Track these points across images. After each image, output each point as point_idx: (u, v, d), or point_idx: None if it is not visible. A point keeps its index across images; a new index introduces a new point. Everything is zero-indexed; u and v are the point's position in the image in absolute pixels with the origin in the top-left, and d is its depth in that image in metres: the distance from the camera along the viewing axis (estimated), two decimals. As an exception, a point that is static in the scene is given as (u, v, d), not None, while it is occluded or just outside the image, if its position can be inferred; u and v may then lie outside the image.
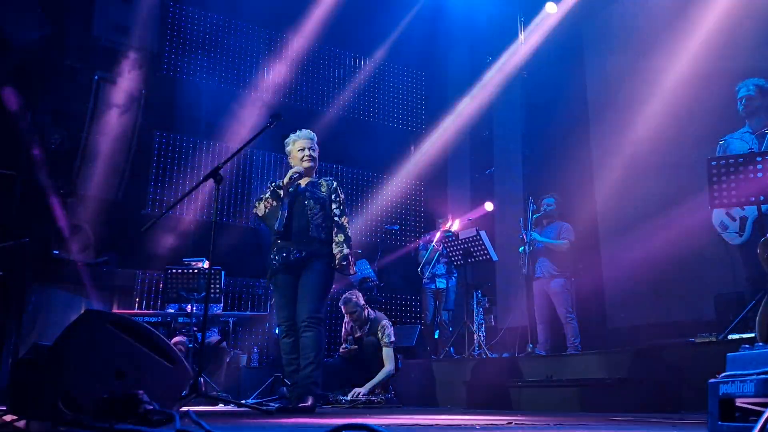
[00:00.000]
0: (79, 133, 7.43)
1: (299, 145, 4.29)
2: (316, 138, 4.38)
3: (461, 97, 9.55)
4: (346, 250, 4.06)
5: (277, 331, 7.17)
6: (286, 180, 4.12)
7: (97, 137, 7.49)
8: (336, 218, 4.16)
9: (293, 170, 4.14)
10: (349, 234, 4.17)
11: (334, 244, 4.09)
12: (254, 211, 4.21)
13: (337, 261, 4.05)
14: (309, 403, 3.79)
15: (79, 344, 2.41)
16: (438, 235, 7.19)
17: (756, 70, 4.71)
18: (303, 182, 4.23)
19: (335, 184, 4.30)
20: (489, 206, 8.75)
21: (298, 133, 4.36)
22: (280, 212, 4.10)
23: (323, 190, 4.23)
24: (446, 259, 7.15)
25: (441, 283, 7.17)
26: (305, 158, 4.23)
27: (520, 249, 6.30)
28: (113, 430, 1.64)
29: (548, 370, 4.82)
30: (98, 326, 2.47)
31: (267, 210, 4.12)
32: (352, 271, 4.18)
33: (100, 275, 7.01)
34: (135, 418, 1.93)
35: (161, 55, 8.55)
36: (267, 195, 4.15)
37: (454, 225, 7.35)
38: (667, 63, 6.43)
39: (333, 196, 4.23)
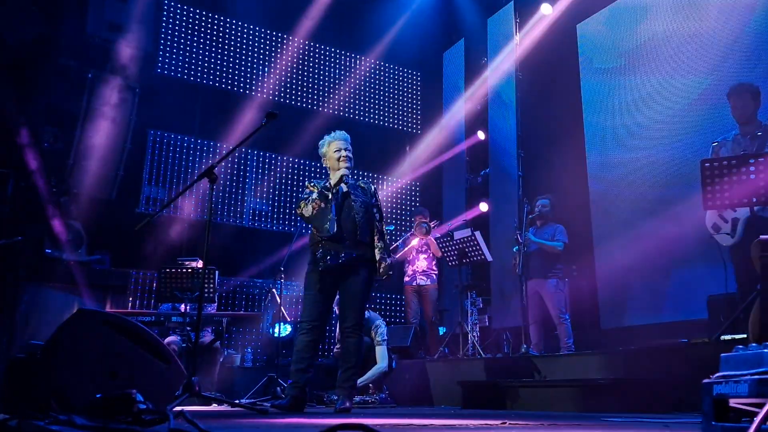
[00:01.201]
0: (72, 132, 7.39)
1: (335, 146, 4.26)
2: (350, 138, 4.38)
3: (456, 97, 9.57)
4: (389, 259, 4.14)
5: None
6: (334, 181, 4.12)
7: (91, 136, 7.45)
8: (377, 223, 4.20)
9: (340, 172, 4.14)
10: (388, 242, 4.25)
11: (376, 250, 4.12)
12: (299, 212, 4.15)
13: (382, 270, 4.10)
14: (348, 405, 3.95)
15: (72, 343, 2.40)
16: (416, 238, 7.16)
17: (747, 73, 4.73)
18: (344, 184, 4.20)
19: (374, 187, 4.36)
20: (484, 207, 8.76)
21: (332, 134, 4.35)
22: (330, 214, 4.07)
23: (365, 192, 4.27)
24: (426, 256, 7.15)
25: (422, 281, 7.16)
26: (342, 159, 4.22)
27: (514, 249, 6.32)
28: (106, 430, 1.63)
29: (542, 371, 4.83)
30: (91, 325, 2.46)
31: (315, 211, 4.08)
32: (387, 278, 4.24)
33: (94, 274, 6.97)
34: (128, 417, 1.92)
35: (156, 54, 8.53)
36: (315, 196, 4.09)
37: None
38: (661, 65, 6.46)
39: (373, 200, 4.27)
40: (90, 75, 7.46)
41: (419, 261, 7.19)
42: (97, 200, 7.49)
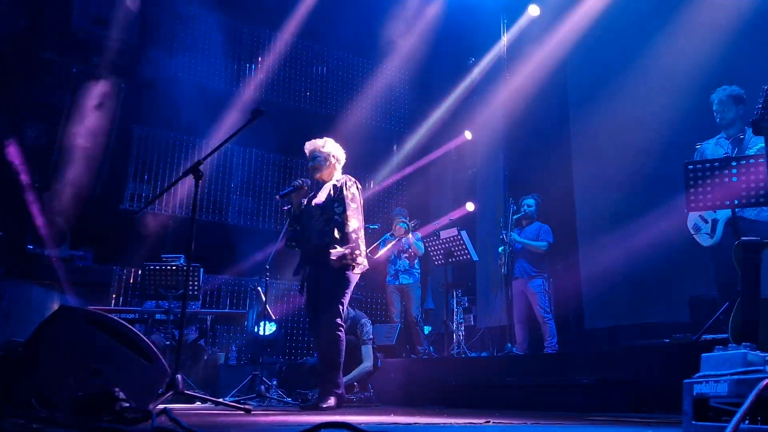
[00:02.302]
0: (56, 127, 7.31)
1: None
2: (314, 146, 4.50)
3: (444, 97, 9.58)
4: (342, 249, 4.12)
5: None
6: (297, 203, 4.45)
7: (75, 131, 7.38)
8: (336, 216, 4.22)
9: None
10: (348, 231, 4.20)
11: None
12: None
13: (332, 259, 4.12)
14: (321, 403, 4.08)
15: (53, 341, 2.38)
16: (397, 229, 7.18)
17: (729, 77, 4.79)
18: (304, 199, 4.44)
19: (339, 184, 4.34)
20: (470, 206, 8.79)
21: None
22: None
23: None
24: (407, 255, 7.16)
25: (405, 279, 7.18)
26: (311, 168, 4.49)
27: (500, 249, 6.35)
28: (88, 428, 1.62)
29: (526, 370, 4.86)
30: (73, 323, 2.44)
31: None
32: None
33: (76, 271, 6.90)
34: (111, 415, 1.91)
35: (142, 49, 8.45)
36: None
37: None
38: (647, 68, 6.52)
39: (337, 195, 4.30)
40: (75, 69, 7.38)
41: (401, 260, 7.21)
42: (80, 196, 7.42)
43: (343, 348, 4.21)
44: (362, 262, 4.25)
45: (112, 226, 7.55)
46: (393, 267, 7.27)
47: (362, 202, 4.43)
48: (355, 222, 4.21)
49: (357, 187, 4.40)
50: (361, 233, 4.29)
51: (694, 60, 5.79)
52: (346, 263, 4.13)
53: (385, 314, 9.28)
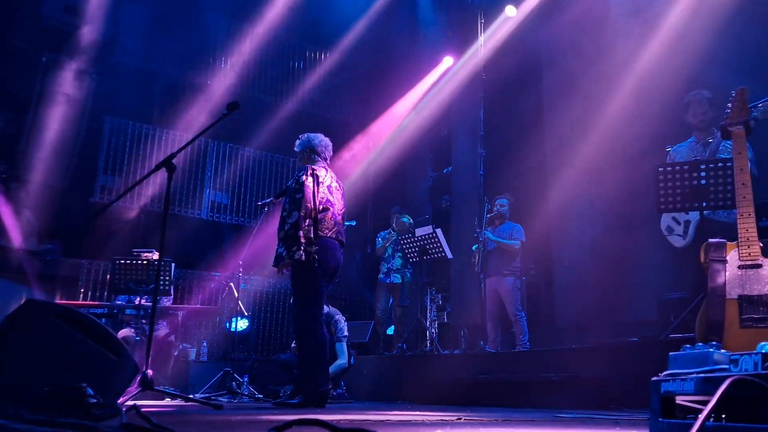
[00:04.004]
0: (24, 116, 7.15)
1: None
2: (298, 143, 4.48)
3: (420, 95, 9.59)
4: (282, 251, 3.97)
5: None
6: None
7: (44, 121, 7.22)
8: (284, 213, 4.10)
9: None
10: (287, 228, 3.98)
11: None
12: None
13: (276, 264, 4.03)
14: (292, 400, 4.04)
15: (19, 336, 2.33)
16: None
17: (702, 81, 4.88)
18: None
19: (300, 176, 4.14)
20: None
21: None
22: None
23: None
24: (400, 254, 7.19)
25: (396, 278, 7.21)
26: None
27: (473, 247, 6.39)
28: (55, 424, 1.59)
29: (498, 367, 4.90)
30: (40, 317, 2.39)
31: None
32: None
33: (44, 264, 6.77)
34: (78, 411, 1.87)
35: (114, 39, 8.30)
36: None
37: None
38: (619, 71, 6.60)
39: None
40: (44, 59, 7.23)
41: (395, 260, 7.25)
42: (49, 188, 7.27)
43: (319, 343, 4.08)
44: (302, 255, 3.91)
45: (82, 219, 7.42)
46: (386, 265, 7.30)
47: (319, 189, 4.13)
48: (295, 214, 3.99)
49: (311, 174, 4.13)
50: (305, 222, 3.99)
51: (667, 61, 5.89)
52: (285, 264, 3.97)
53: (360, 311, 9.31)
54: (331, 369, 5.37)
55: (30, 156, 7.19)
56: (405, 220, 7.24)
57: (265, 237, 7.11)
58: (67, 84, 7.42)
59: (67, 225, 7.16)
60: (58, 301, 7.18)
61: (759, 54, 5.13)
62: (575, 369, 4.23)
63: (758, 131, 3.96)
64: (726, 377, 1.34)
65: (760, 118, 3.96)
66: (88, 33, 7.62)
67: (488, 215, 6.44)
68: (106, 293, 7.79)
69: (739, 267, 2.79)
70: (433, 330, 6.68)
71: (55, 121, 7.30)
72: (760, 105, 3.98)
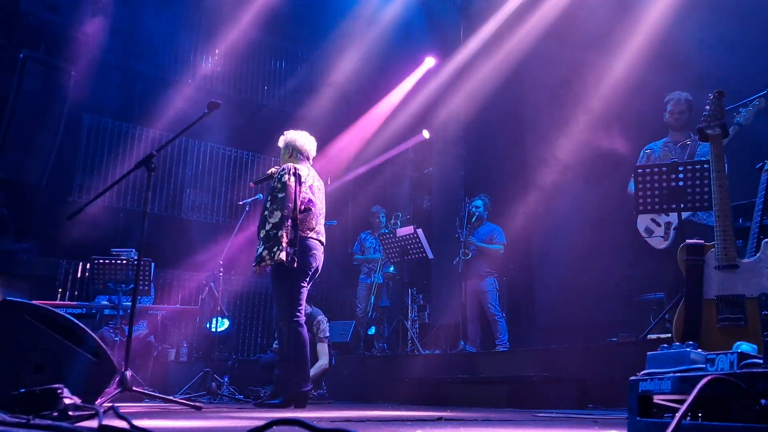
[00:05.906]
0: (1, 113, 7.02)
1: None
2: (282, 139, 4.46)
3: (402, 95, 9.59)
4: (262, 250, 3.95)
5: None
6: None
7: (22, 118, 7.10)
8: (265, 211, 4.08)
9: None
10: (268, 228, 3.98)
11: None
12: None
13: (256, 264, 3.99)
14: (272, 400, 4.00)
15: (-6, 336, 2.29)
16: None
17: (681, 83, 4.95)
18: None
19: (283, 174, 4.11)
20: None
21: None
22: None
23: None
24: (380, 255, 7.21)
25: (379, 278, 7.20)
26: None
27: (460, 252, 6.35)
28: (30, 425, 1.56)
29: (478, 367, 4.93)
30: (15, 317, 2.35)
31: None
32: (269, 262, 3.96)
33: (20, 263, 6.66)
34: (54, 412, 1.85)
35: (94, 36, 8.17)
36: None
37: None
38: (598, 73, 6.66)
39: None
40: (22, 55, 7.09)
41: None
42: (26, 186, 7.15)
43: (300, 343, 4.05)
44: (282, 255, 3.88)
45: (59, 217, 7.30)
46: (367, 266, 7.30)
47: (301, 188, 4.11)
48: (278, 214, 3.97)
49: (293, 174, 4.10)
50: (287, 222, 3.97)
51: (645, 67, 5.96)
52: (265, 265, 3.94)
53: (340, 311, 9.28)
54: (312, 370, 5.35)
55: (7, 154, 7.06)
56: (382, 219, 7.24)
57: (246, 237, 7.07)
58: (46, 81, 7.29)
59: (45, 224, 7.05)
60: (34, 301, 7.07)
61: (745, 52, 5.23)
62: (555, 369, 4.27)
63: (740, 136, 4.03)
64: (702, 376, 1.36)
65: (744, 124, 4.02)
66: (67, 30, 7.50)
67: (472, 221, 6.43)
68: (84, 293, 7.69)
69: (716, 268, 2.83)
70: (414, 330, 6.69)
71: (33, 118, 7.18)
72: (742, 110, 4.03)
